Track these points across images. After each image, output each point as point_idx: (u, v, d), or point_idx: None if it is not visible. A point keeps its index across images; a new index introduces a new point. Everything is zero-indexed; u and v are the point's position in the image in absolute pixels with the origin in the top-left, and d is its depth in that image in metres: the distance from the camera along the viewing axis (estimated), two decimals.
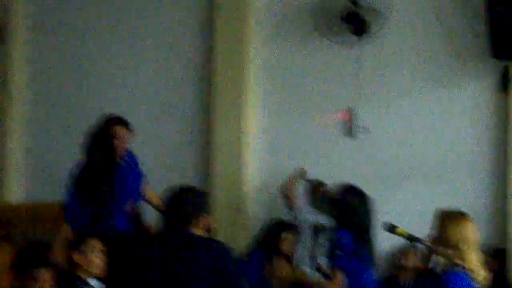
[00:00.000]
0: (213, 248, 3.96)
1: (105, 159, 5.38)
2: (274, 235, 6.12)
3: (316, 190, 6.67)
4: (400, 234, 4.46)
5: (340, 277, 4.64)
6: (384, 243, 5.47)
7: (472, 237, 4.50)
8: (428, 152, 6.82)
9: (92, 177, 5.37)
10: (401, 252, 6.33)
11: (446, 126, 6.81)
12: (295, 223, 6.61)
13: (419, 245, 4.64)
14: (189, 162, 7.19)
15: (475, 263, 4.51)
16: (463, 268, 4.47)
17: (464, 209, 6.40)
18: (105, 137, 5.44)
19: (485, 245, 6.46)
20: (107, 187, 5.32)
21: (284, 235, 6.13)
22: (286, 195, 6.44)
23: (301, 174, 6.59)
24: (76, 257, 4.65)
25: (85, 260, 4.65)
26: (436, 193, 6.52)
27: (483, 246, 6.41)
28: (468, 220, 4.53)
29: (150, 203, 5.98)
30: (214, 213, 6.87)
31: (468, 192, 6.67)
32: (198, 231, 3.99)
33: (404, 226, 4.73)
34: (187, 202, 3.99)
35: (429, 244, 4.60)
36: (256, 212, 6.92)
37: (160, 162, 7.03)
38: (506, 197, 6.54)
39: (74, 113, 7.30)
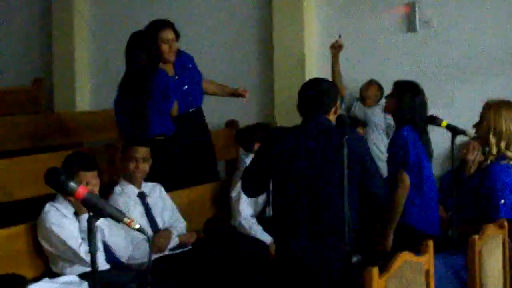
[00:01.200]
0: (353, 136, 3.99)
1: (146, 63, 5.30)
2: None
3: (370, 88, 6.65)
4: (445, 127, 4.33)
5: (406, 178, 4.59)
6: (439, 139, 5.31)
7: None
8: (491, 48, 6.58)
9: (132, 82, 5.30)
10: (464, 147, 6.20)
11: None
12: (364, 121, 6.61)
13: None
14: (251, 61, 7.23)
15: None
16: (511, 160, 4.37)
17: None
18: (148, 41, 5.38)
19: None
20: (144, 92, 5.24)
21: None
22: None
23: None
24: (119, 164, 4.75)
25: (124, 165, 4.73)
26: (498, 90, 6.28)
27: None
28: None
29: (216, 93, 6.08)
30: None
31: None
32: (332, 118, 4.03)
33: (467, 122, 4.72)
34: (326, 91, 4.03)
35: (473, 136, 4.49)
36: None
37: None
38: None
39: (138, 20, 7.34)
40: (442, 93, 6.75)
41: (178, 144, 5.54)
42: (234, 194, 5.39)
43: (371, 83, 6.98)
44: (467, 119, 4.86)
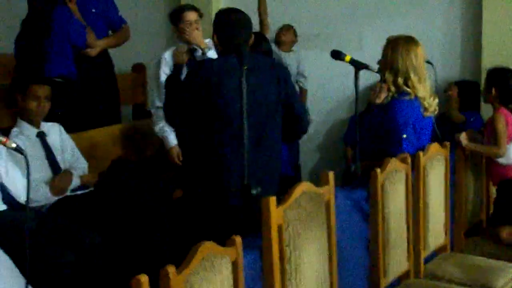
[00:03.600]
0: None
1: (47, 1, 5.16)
2: None
3: None
4: (348, 62, 4.29)
5: None
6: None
7: (420, 65, 4.37)
8: None
9: (33, 19, 5.18)
10: (371, 89, 6.22)
11: None
12: None
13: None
14: None
15: (424, 91, 4.41)
16: (412, 95, 4.37)
17: (436, 40, 6.45)
18: None
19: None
20: (43, 30, 5.12)
21: None
22: None
23: None
24: (20, 102, 4.58)
25: (25, 105, 4.58)
26: (404, 30, 6.30)
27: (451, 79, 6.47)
28: (416, 46, 4.38)
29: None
30: None
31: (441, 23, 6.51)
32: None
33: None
34: (245, 22, 3.95)
35: (377, 71, 4.48)
36: None
37: None
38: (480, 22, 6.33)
39: None
40: (350, 35, 6.78)
41: (79, 86, 5.40)
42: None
43: (288, 28, 6.92)
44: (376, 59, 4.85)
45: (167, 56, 5.18)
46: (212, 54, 5.15)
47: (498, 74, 4.85)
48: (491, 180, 5.06)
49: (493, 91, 4.79)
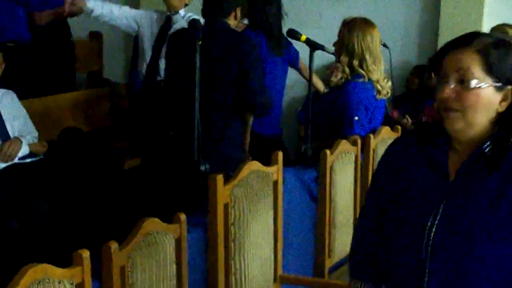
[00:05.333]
0: (236, 36, 4.04)
1: None
2: None
3: None
4: (304, 42, 4.29)
5: None
6: None
7: (376, 47, 4.38)
8: None
9: None
10: (328, 68, 6.22)
11: None
12: None
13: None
14: None
15: (378, 74, 4.42)
16: (365, 78, 4.39)
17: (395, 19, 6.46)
18: None
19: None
20: None
21: None
22: None
23: None
24: None
25: None
26: (364, 8, 6.30)
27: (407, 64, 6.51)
28: (372, 28, 4.39)
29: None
30: None
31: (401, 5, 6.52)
32: (232, 22, 4.09)
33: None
34: None
35: (332, 52, 4.49)
36: None
37: None
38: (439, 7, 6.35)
39: None
40: (309, 13, 6.76)
41: (34, 51, 5.32)
42: None
43: None
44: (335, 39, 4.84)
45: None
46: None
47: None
48: None
49: None
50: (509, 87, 2.07)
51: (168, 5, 5.29)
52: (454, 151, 2.15)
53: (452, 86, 2.06)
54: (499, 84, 2.06)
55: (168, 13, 5.32)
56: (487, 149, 2.08)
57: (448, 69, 2.08)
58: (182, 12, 5.29)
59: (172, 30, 5.07)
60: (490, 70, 2.05)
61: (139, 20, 5.46)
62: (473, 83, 2.04)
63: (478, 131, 2.09)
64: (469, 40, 2.09)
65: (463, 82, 2.05)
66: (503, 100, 2.07)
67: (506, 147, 2.06)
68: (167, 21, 5.31)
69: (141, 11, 5.59)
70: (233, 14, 4.06)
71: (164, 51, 4.61)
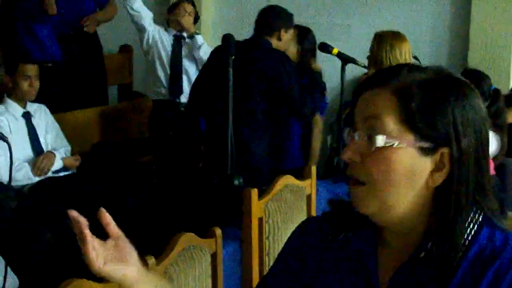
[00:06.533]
0: (273, 55, 4.19)
1: None
2: None
3: None
4: (336, 55, 4.30)
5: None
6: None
7: (404, 60, 4.38)
8: None
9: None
10: (358, 81, 6.23)
11: None
12: None
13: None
14: None
15: None
16: None
17: (424, 31, 6.44)
18: None
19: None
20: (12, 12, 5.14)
21: None
22: None
23: None
24: (6, 79, 4.56)
25: (16, 85, 4.55)
26: (392, 20, 6.29)
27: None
28: (401, 41, 4.39)
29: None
30: None
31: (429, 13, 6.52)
32: (274, 42, 4.29)
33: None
34: (272, 14, 4.34)
35: (364, 65, 4.49)
36: None
37: None
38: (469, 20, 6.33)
39: None
40: (339, 26, 6.77)
41: (65, 67, 5.41)
42: None
43: None
44: (365, 52, 4.84)
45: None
46: (200, 39, 5.26)
47: (470, 76, 4.87)
48: None
49: None
50: (444, 149, 1.32)
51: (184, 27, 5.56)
52: (387, 245, 1.41)
53: (356, 144, 1.35)
54: (426, 145, 1.31)
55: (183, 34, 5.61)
56: (431, 251, 1.32)
57: (356, 118, 1.38)
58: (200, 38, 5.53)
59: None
60: (411, 121, 1.31)
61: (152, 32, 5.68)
62: (379, 140, 1.31)
63: (407, 217, 1.35)
64: (389, 75, 1.36)
65: (371, 138, 1.33)
66: (435, 170, 1.32)
67: (455, 247, 1.31)
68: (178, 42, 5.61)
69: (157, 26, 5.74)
70: (276, 33, 4.25)
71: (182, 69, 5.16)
